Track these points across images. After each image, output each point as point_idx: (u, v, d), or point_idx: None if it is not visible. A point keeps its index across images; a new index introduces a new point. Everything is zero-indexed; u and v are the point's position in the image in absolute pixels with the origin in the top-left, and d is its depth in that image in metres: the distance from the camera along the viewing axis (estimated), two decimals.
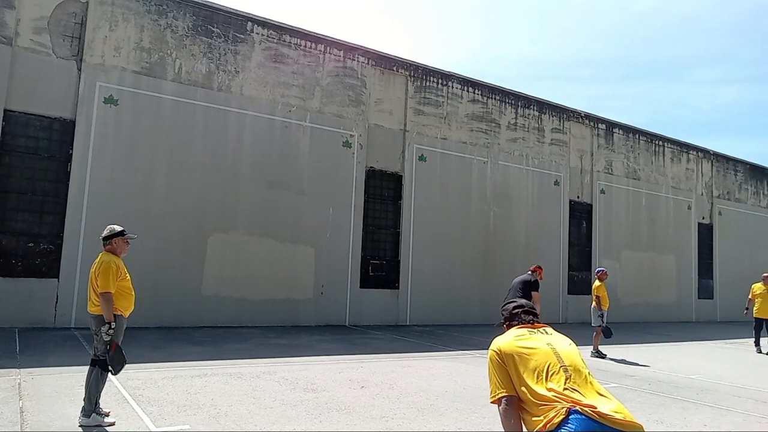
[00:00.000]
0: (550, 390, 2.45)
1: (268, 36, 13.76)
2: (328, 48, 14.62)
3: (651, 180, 21.81)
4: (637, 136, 21.64)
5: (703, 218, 23.59)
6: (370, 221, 15.09)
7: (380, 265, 15.15)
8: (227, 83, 13.15)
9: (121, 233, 5.49)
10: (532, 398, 2.50)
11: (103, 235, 5.52)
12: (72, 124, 11.49)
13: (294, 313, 13.51)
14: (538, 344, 2.67)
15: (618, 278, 19.83)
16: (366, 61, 15.23)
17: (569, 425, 2.32)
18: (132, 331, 10.82)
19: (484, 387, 7.99)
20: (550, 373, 2.51)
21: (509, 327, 2.96)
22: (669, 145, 22.71)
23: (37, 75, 11.22)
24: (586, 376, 2.55)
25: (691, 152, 23.53)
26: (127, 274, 5.45)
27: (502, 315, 3.08)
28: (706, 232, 23.56)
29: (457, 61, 78.36)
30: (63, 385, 6.38)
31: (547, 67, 76.48)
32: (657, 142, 22.30)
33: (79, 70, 11.62)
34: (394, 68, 15.80)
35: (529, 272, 9.88)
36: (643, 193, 21.43)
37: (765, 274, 13.50)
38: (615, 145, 20.81)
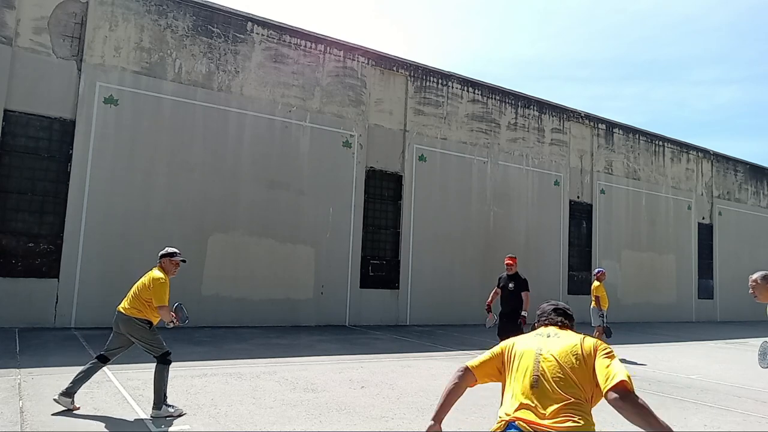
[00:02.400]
0: (511, 398, 2.52)
1: (268, 36, 13.76)
2: (328, 48, 14.61)
3: (651, 180, 21.81)
4: (637, 136, 21.64)
5: (703, 218, 23.59)
6: (370, 221, 15.09)
7: (380, 265, 15.15)
8: (227, 83, 13.15)
9: (169, 255, 5.88)
10: (503, 397, 2.61)
11: (160, 252, 5.90)
12: (72, 124, 11.49)
13: (294, 313, 13.51)
14: (531, 345, 2.64)
15: (618, 278, 19.84)
16: (366, 61, 15.22)
17: None
18: None
19: (484, 387, 7.99)
20: (518, 382, 2.54)
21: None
22: (669, 145, 22.71)
23: (37, 75, 11.22)
24: (558, 389, 2.44)
25: (691, 152, 23.53)
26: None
27: (539, 318, 2.94)
28: (706, 232, 23.56)
29: (457, 61, 78.40)
30: (63, 385, 6.35)
31: (546, 67, 76.52)
32: (657, 142, 22.30)
33: (79, 70, 11.62)
34: (394, 68, 15.80)
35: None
36: (643, 193, 21.42)
37: None
38: (615, 145, 20.81)
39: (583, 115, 19.94)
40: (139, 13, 12.26)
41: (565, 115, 19.40)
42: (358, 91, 14.99)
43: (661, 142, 22.43)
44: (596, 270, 12.01)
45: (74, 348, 8.87)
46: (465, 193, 16.73)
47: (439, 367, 8.97)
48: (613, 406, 2.29)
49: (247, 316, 12.83)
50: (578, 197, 19.53)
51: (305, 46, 14.27)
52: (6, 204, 10.95)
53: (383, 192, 15.47)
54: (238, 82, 13.28)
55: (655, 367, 10.14)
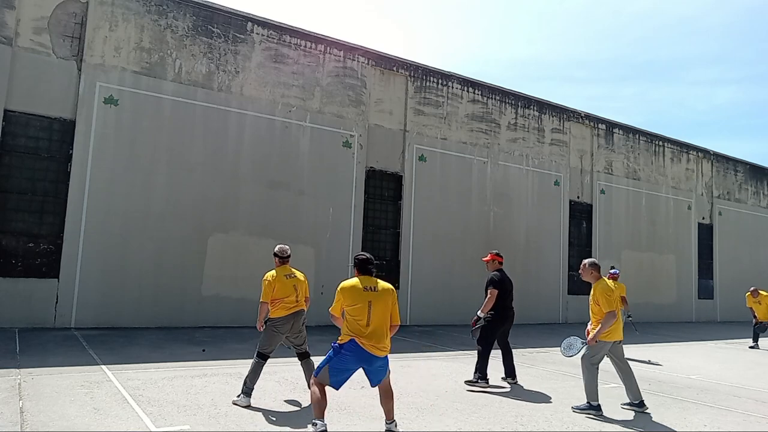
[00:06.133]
0: (355, 324, 4.86)
1: (268, 36, 13.75)
2: (328, 48, 14.61)
3: (651, 180, 21.80)
4: (637, 136, 21.63)
5: (703, 218, 23.58)
6: (370, 221, 15.08)
7: (380, 265, 15.13)
8: (227, 83, 13.15)
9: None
10: (346, 321, 4.98)
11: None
12: (72, 124, 11.49)
13: None
14: (363, 298, 4.89)
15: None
16: (366, 61, 15.22)
17: (347, 344, 4.86)
18: (132, 331, 10.83)
19: (484, 389, 7.97)
20: (359, 316, 4.86)
21: (358, 272, 5.12)
22: (669, 145, 22.71)
23: (37, 75, 11.21)
24: (381, 327, 4.91)
25: (691, 152, 23.52)
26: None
27: (355, 261, 5.23)
28: (706, 232, 23.55)
29: (456, 61, 78.44)
30: (63, 385, 6.38)
31: (544, 68, 76.58)
32: (657, 142, 22.29)
33: (79, 70, 11.61)
34: (394, 68, 15.79)
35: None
36: (643, 193, 21.42)
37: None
38: (615, 145, 20.80)
39: (583, 115, 19.94)
40: (139, 13, 12.26)
41: (565, 115, 19.40)
42: (358, 91, 14.99)
43: (661, 142, 22.43)
44: (613, 270, 11.71)
45: (74, 348, 8.86)
46: (465, 193, 16.72)
47: (439, 367, 8.97)
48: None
49: (247, 316, 12.79)
50: (578, 197, 19.53)
51: (305, 46, 14.26)
52: (6, 204, 10.94)
53: (383, 192, 15.47)
54: (238, 82, 13.27)
55: (655, 367, 10.14)
